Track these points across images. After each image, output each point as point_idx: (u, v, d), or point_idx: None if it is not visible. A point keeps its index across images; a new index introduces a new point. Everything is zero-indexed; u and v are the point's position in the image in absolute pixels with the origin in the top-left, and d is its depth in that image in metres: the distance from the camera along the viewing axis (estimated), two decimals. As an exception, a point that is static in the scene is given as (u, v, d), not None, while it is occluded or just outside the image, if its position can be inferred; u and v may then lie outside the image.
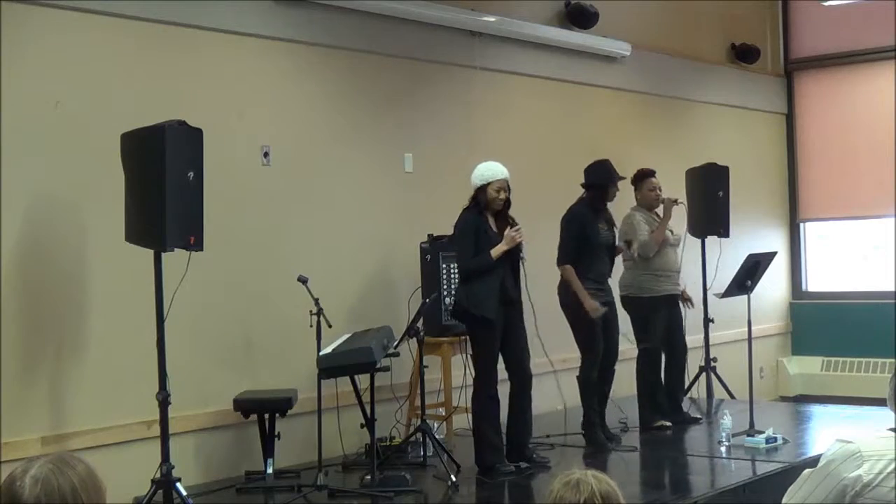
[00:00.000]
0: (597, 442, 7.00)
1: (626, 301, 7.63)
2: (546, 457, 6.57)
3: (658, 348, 7.64)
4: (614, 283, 7.55)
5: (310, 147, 7.02)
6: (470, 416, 6.44)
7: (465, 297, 6.28)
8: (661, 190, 7.66)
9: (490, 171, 6.35)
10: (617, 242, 7.34)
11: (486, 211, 6.36)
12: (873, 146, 10.92)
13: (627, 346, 7.95)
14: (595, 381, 7.02)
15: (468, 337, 6.42)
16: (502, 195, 6.34)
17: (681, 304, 7.81)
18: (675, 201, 7.63)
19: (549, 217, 7.21)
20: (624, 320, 7.48)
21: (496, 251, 6.24)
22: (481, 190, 6.33)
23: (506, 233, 6.29)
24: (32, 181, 5.61)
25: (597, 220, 7.04)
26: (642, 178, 7.69)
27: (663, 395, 7.71)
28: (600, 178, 7.05)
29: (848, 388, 10.56)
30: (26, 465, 2.08)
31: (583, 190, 7.11)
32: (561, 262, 6.94)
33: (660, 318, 7.61)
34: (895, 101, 10.66)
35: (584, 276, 6.94)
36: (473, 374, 6.38)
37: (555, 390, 7.62)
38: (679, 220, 7.84)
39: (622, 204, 7.74)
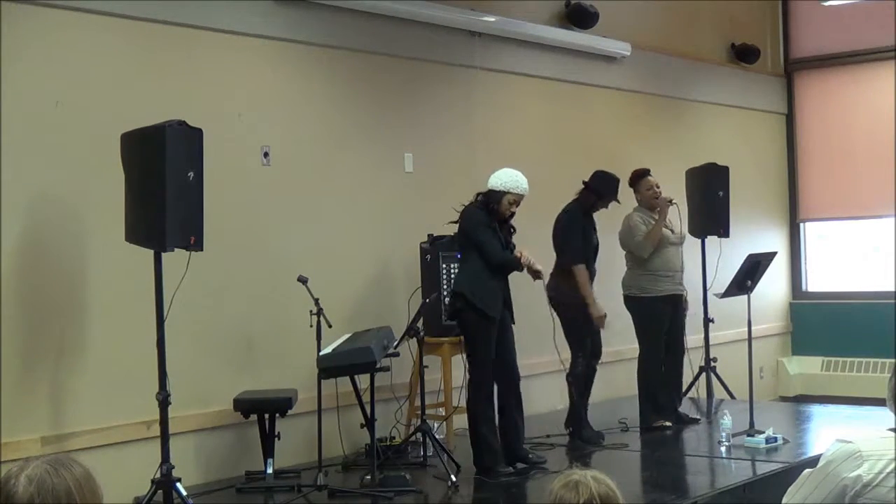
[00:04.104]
0: (587, 437, 7.05)
1: (627, 301, 7.65)
2: (543, 457, 6.56)
3: (659, 348, 7.64)
4: (617, 283, 7.66)
5: (310, 147, 7.02)
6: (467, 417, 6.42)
7: (468, 291, 6.20)
8: (658, 188, 7.65)
9: (514, 181, 6.25)
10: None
11: (491, 214, 6.34)
12: (873, 146, 10.92)
13: (626, 346, 7.96)
14: (585, 377, 7.15)
15: (465, 336, 6.34)
16: (513, 209, 6.31)
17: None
18: (670, 201, 7.63)
19: (549, 217, 7.22)
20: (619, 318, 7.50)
21: (525, 261, 6.21)
22: (497, 194, 6.25)
23: (539, 273, 6.29)
24: (32, 181, 5.61)
25: (590, 223, 7.14)
26: (638, 178, 7.67)
27: (664, 395, 7.71)
28: (604, 188, 7.15)
29: (848, 388, 10.56)
30: (23, 464, 2.08)
31: (580, 189, 7.21)
32: (576, 261, 7.00)
33: (662, 318, 7.62)
34: (895, 101, 10.67)
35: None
36: (469, 376, 6.32)
37: (554, 390, 7.62)
38: (676, 220, 7.83)
39: (632, 204, 7.76)
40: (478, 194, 6.37)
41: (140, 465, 5.59)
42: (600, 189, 7.16)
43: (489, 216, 6.27)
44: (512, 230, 6.41)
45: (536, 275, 6.29)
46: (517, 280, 6.45)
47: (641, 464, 6.91)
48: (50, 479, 2.04)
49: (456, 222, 6.37)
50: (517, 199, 6.29)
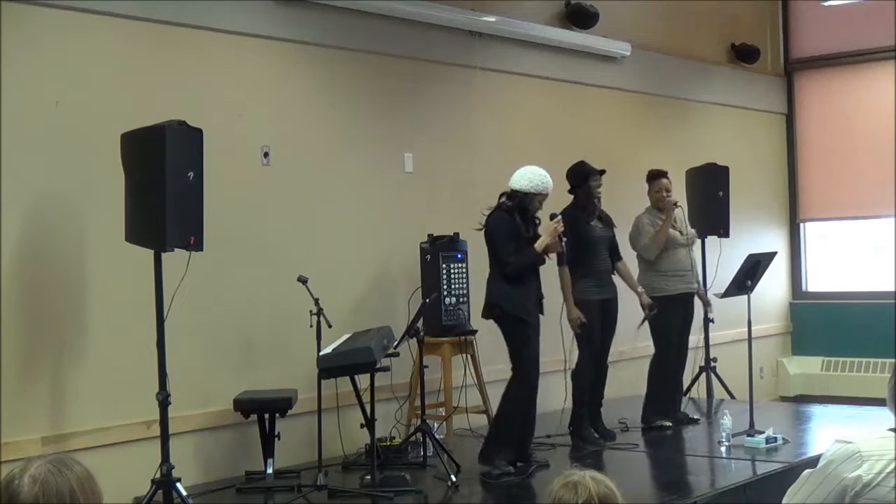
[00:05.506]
0: (585, 438, 7.05)
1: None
2: (544, 456, 6.56)
3: (673, 348, 7.66)
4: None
5: (310, 147, 7.02)
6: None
7: (503, 300, 6.26)
8: (668, 192, 7.67)
9: (543, 183, 6.30)
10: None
11: (517, 213, 6.34)
12: (873, 146, 10.92)
13: (627, 346, 7.95)
14: (590, 376, 7.10)
15: (506, 339, 6.36)
16: (541, 207, 6.37)
17: (697, 303, 7.88)
18: (675, 204, 7.65)
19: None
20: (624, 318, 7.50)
21: (540, 244, 6.27)
22: (527, 197, 6.29)
23: (548, 226, 6.35)
24: (32, 181, 5.61)
25: (588, 218, 7.13)
26: (653, 178, 7.75)
27: (665, 395, 7.71)
28: (578, 178, 7.19)
29: (848, 388, 10.56)
30: (25, 464, 2.08)
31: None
32: (560, 262, 6.96)
33: (675, 317, 7.64)
34: (895, 101, 10.67)
35: (586, 276, 7.03)
36: (513, 373, 6.32)
37: (558, 390, 7.61)
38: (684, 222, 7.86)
39: (633, 204, 7.75)
40: (503, 195, 6.38)
41: (140, 465, 5.59)
42: (577, 181, 7.18)
43: (518, 219, 6.30)
44: (537, 221, 6.46)
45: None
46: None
47: (641, 464, 6.91)
48: (53, 479, 2.04)
49: (481, 229, 6.40)
50: (545, 197, 6.38)
